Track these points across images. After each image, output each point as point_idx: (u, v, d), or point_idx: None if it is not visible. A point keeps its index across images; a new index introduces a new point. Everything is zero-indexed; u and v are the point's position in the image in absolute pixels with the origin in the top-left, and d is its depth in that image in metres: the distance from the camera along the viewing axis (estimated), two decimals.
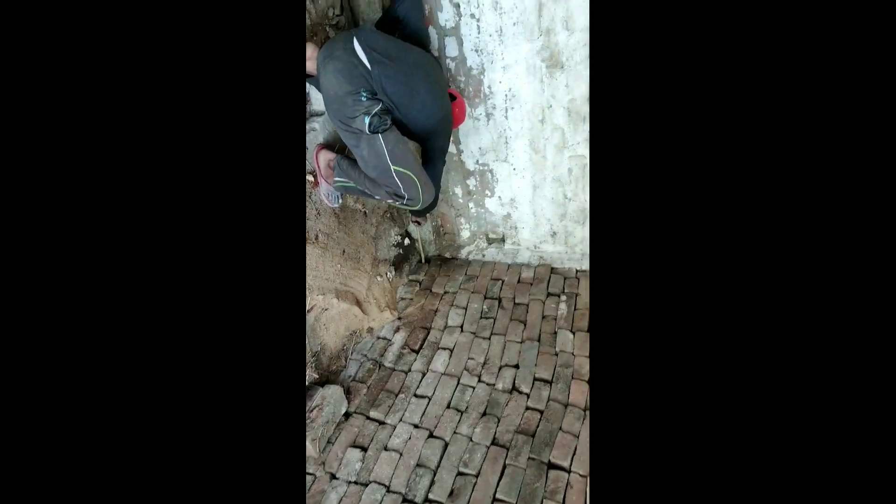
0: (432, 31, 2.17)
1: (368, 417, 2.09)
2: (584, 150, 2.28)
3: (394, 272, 2.68)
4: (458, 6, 2.06)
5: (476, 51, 2.16)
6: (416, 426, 2.01)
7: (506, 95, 2.25)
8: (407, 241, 2.85)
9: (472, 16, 2.07)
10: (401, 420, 2.05)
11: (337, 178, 2.00)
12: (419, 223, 2.68)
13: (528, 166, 2.44)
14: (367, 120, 1.68)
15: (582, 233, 2.57)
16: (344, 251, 2.27)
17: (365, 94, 1.68)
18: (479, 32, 2.11)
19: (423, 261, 2.91)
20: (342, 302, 2.26)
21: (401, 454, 1.92)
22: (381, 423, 2.07)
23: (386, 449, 1.95)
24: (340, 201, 2.15)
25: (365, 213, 2.41)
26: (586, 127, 2.20)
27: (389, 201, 1.94)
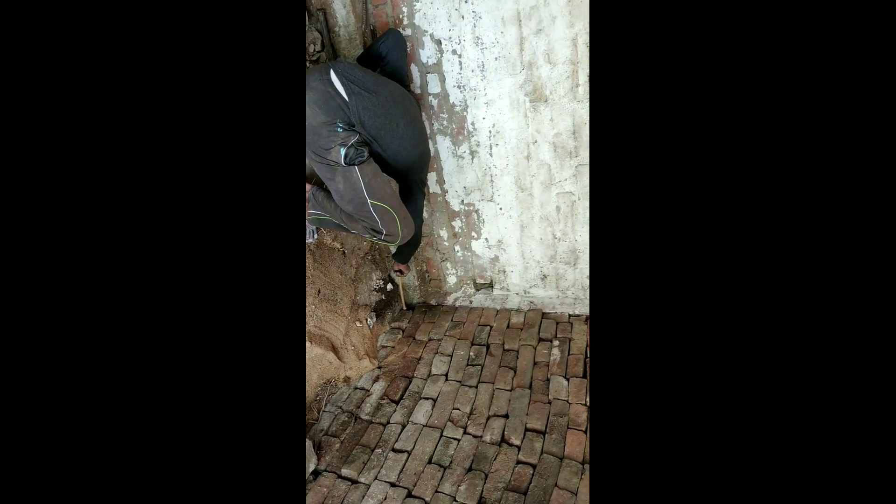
0: (414, 69, 2.16)
1: (340, 476, 1.85)
2: (572, 187, 2.20)
3: (375, 319, 2.51)
4: (439, 42, 2.06)
5: (458, 87, 2.14)
6: (392, 484, 1.77)
7: (490, 132, 2.20)
8: (390, 286, 2.70)
9: (454, 52, 2.07)
10: (376, 478, 1.81)
11: (312, 211, 1.90)
12: (402, 272, 2.54)
13: (515, 205, 2.36)
14: (342, 151, 1.61)
15: (573, 275, 2.45)
16: (319, 291, 2.12)
17: (341, 125, 1.62)
18: (461, 68, 2.09)
19: (407, 308, 2.74)
20: (316, 347, 2.09)
21: None
22: (354, 481, 1.82)
23: None
24: (316, 236, 2.03)
25: (344, 252, 2.29)
26: (573, 162, 2.14)
27: (367, 236, 1.83)
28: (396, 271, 2.53)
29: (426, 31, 2.06)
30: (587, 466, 1.70)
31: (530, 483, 1.69)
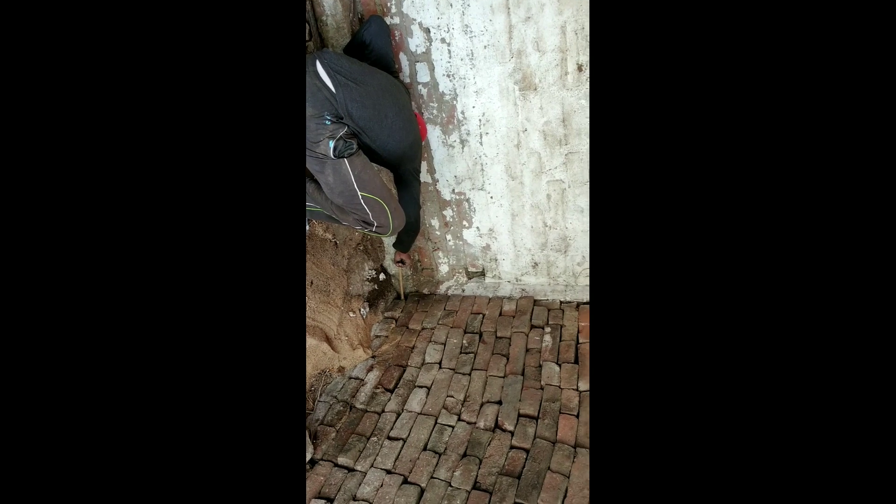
0: (403, 58, 2.15)
1: (336, 464, 1.88)
2: (562, 175, 2.22)
3: (368, 309, 2.52)
4: (428, 31, 2.05)
5: (448, 76, 2.13)
6: (388, 472, 1.80)
7: (479, 120, 2.20)
8: (382, 276, 2.71)
9: (443, 40, 2.06)
10: (372, 466, 1.83)
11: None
12: (403, 262, 2.54)
13: (506, 194, 2.37)
14: (331, 144, 1.60)
15: (564, 263, 2.47)
16: (312, 282, 2.13)
17: (329, 118, 1.61)
18: (450, 57, 2.09)
19: (401, 298, 2.76)
20: (310, 338, 2.10)
21: None
22: (350, 469, 1.85)
23: (355, 499, 1.73)
24: (307, 228, 2.03)
25: (336, 243, 2.29)
26: (563, 150, 2.15)
27: (358, 228, 1.84)
28: (398, 262, 2.52)
29: (414, 20, 2.04)
30: (579, 450, 1.74)
31: (524, 467, 1.72)
